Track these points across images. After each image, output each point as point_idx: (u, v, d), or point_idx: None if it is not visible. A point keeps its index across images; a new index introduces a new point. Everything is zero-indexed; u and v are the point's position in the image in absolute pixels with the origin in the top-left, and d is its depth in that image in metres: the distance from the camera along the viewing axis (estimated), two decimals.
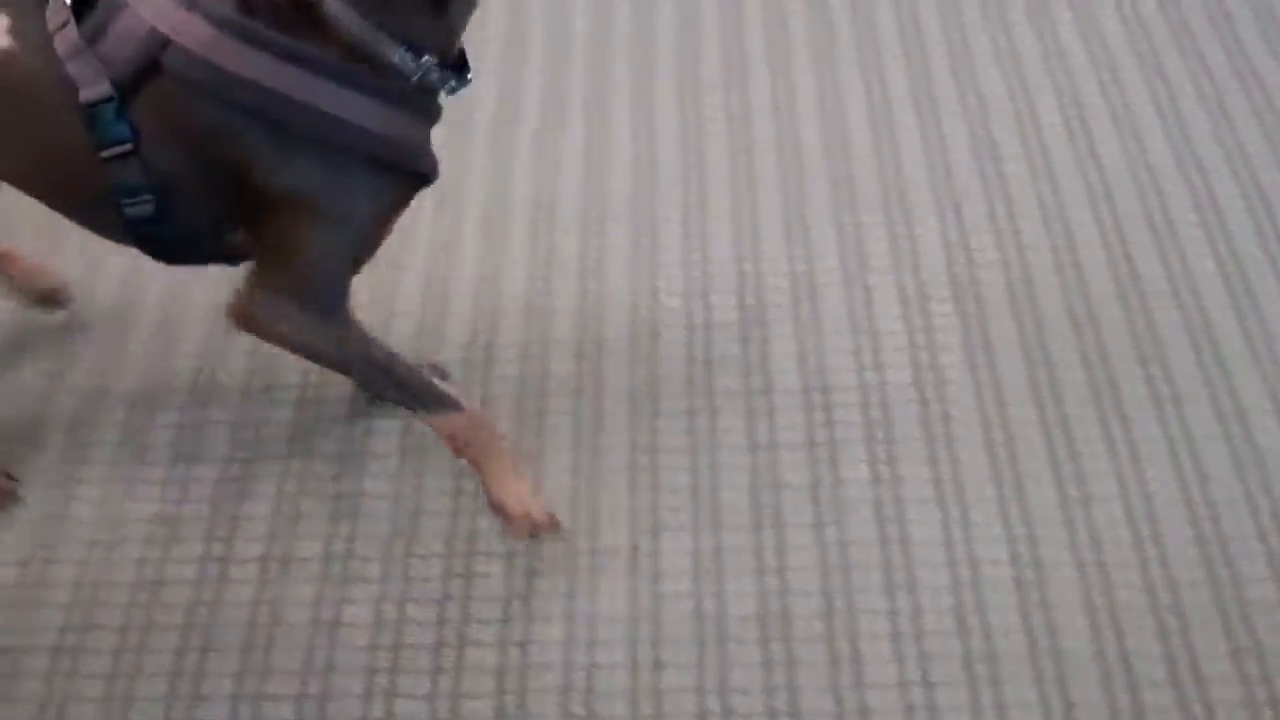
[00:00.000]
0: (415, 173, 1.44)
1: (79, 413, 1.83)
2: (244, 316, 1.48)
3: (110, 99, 1.37)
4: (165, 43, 1.35)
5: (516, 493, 1.58)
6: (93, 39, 1.38)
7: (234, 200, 1.42)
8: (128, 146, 1.39)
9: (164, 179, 1.41)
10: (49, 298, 1.90)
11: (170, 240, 1.48)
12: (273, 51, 1.34)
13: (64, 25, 1.39)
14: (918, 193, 2.14)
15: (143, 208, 1.42)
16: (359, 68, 1.37)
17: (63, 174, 1.45)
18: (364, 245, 1.47)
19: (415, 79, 1.39)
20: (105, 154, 1.39)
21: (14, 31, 1.42)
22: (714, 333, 1.93)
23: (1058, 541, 1.65)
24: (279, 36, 1.34)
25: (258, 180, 1.39)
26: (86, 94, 1.38)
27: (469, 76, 1.44)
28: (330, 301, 1.48)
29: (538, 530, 1.58)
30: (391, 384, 1.53)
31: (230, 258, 1.53)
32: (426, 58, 1.39)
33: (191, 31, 1.34)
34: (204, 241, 1.49)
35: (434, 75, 1.40)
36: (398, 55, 1.38)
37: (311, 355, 1.51)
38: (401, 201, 1.47)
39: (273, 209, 1.41)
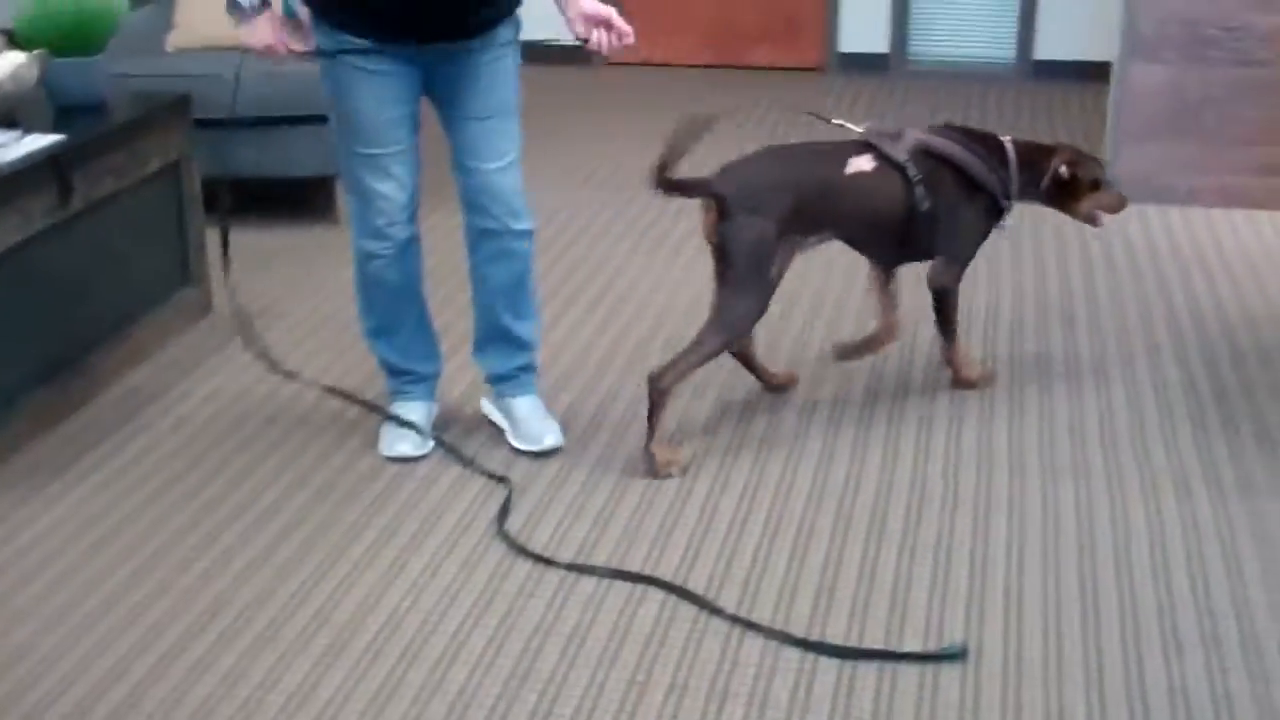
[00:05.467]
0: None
1: None
2: (938, 278, 3.56)
3: (914, 176, 3.41)
4: (926, 143, 3.46)
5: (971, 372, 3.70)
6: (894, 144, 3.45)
7: (939, 218, 3.46)
8: (923, 190, 3.42)
9: (929, 201, 3.43)
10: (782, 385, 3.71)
11: (913, 241, 3.49)
12: (967, 148, 3.50)
13: (894, 141, 3.45)
14: None
15: (922, 214, 3.43)
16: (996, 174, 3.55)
17: (894, 215, 3.43)
18: (979, 241, 3.63)
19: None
20: (918, 191, 3.41)
21: (876, 159, 3.42)
22: None
23: None
24: (966, 146, 3.51)
25: (951, 202, 3.47)
26: (912, 174, 3.41)
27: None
28: (966, 263, 3.61)
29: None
30: (954, 315, 3.61)
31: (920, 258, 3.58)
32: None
33: (938, 140, 3.48)
34: (919, 245, 3.51)
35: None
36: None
37: (952, 293, 3.58)
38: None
39: (957, 218, 3.49)
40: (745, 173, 3.29)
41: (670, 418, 3.41)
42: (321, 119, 4.76)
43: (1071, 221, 4.31)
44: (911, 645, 2.66)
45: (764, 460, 3.34)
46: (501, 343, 3.40)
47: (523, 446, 3.36)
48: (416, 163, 3.21)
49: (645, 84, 7.15)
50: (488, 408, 3.52)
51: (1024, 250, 4.57)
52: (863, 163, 3.38)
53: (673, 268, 4.56)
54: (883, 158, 3.40)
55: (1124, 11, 5.15)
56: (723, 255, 3.24)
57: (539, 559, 2.93)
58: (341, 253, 4.45)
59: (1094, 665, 2.60)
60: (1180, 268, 4.57)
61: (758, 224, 3.20)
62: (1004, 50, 7.15)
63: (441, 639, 2.68)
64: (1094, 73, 6.50)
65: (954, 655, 2.61)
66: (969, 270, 3.66)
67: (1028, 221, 4.03)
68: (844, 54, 7.29)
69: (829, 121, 3.64)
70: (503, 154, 3.20)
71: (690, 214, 5.04)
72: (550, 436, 3.36)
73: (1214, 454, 3.37)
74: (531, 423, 3.37)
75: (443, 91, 3.17)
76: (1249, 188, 5.07)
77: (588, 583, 2.86)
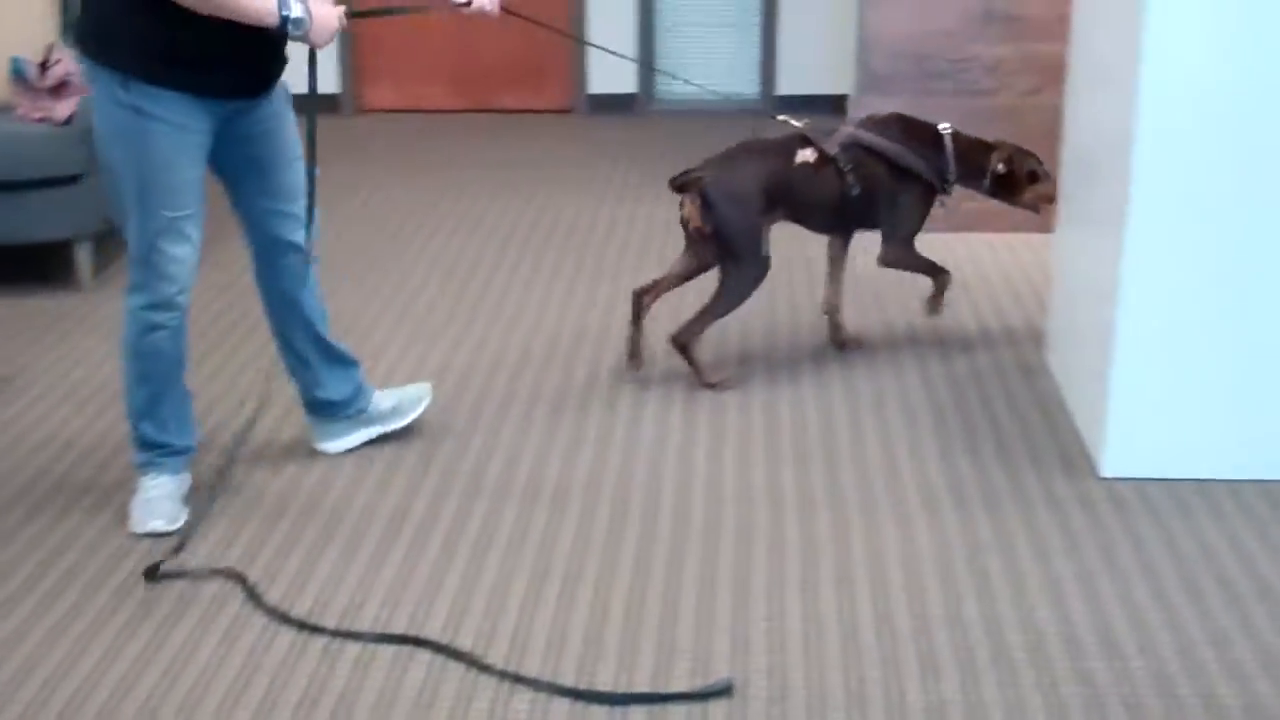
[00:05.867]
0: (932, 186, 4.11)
1: None
2: (886, 257, 4.12)
3: (845, 165, 3.94)
4: (857, 137, 3.98)
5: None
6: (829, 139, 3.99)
7: (875, 199, 4.00)
8: (851, 174, 3.93)
9: (859, 186, 3.94)
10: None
11: (849, 219, 4.06)
12: (888, 137, 4.01)
13: (828, 136, 3.97)
14: None
15: (853, 198, 3.96)
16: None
17: (830, 199, 3.96)
18: (920, 219, 4.13)
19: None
20: (848, 179, 3.93)
21: (815, 151, 3.92)
22: None
23: None
24: (900, 137, 4.04)
25: (886, 188, 4.01)
26: (842, 164, 3.91)
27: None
28: (912, 239, 4.10)
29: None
30: (921, 268, 4.20)
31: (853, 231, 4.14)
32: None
33: (867, 134, 4.00)
34: (855, 222, 4.08)
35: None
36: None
37: (903, 262, 4.15)
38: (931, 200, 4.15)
39: (894, 201, 4.02)
40: (721, 168, 3.91)
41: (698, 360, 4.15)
42: (63, 181, 4.64)
43: (814, 250, 4.46)
44: (679, 682, 2.70)
45: (528, 512, 3.35)
46: (336, 364, 3.51)
47: (415, 415, 3.64)
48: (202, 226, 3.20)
49: (392, 131, 7.13)
50: (347, 442, 3.59)
51: (776, 278, 4.69)
52: (807, 154, 3.94)
53: (420, 303, 4.55)
54: (820, 151, 3.94)
55: (857, 48, 5.34)
56: (719, 240, 3.86)
57: (302, 626, 2.88)
58: (86, 319, 4.33)
59: (855, 690, 2.67)
60: (920, 293, 4.75)
61: (742, 209, 3.85)
62: (748, 86, 7.34)
63: None
64: (835, 105, 6.71)
65: (720, 692, 2.66)
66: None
67: (783, 250, 4.14)
68: (593, 95, 7.39)
69: (775, 118, 4.09)
70: (305, 190, 3.31)
71: (441, 251, 5.07)
72: (420, 389, 3.71)
73: (959, 471, 3.51)
74: (402, 400, 3.65)
75: (244, 148, 3.19)
76: (983, 212, 5.30)
77: (354, 647, 2.82)
